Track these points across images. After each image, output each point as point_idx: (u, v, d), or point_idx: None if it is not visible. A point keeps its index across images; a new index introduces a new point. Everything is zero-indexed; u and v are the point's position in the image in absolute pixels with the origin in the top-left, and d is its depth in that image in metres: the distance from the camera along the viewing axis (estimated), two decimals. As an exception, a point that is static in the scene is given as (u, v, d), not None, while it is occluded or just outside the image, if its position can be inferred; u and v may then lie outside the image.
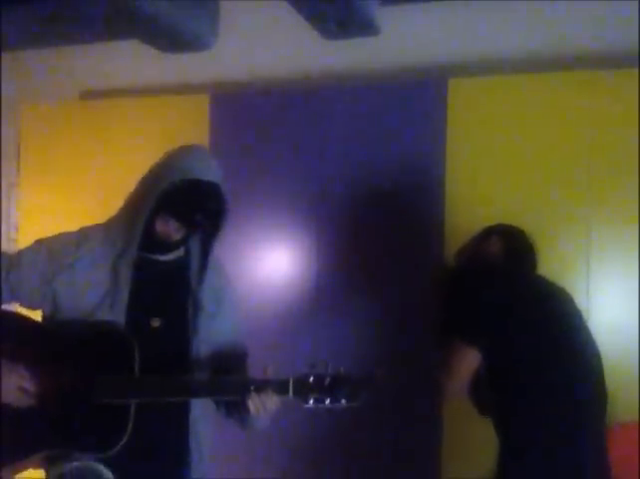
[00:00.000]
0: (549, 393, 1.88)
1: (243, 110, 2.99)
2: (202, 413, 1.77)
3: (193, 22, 3.06)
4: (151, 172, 1.75)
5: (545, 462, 1.84)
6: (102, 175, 3.18)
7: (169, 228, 1.70)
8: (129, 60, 3.48)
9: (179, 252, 1.80)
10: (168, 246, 1.75)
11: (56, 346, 1.66)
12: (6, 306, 1.73)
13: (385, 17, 2.97)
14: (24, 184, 3.38)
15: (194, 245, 1.81)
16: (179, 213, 1.68)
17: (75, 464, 1.57)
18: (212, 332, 1.77)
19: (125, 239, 1.69)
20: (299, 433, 2.72)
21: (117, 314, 1.66)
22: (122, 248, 1.69)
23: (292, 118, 2.90)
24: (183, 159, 1.72)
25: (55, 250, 1.71)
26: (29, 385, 1.60)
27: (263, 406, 1.58)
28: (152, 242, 1.71)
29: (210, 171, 1.70)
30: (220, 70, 3.30)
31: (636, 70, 2.45)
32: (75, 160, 3.26)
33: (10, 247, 3.46)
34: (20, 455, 1.62)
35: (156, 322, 1.70)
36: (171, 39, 3.13)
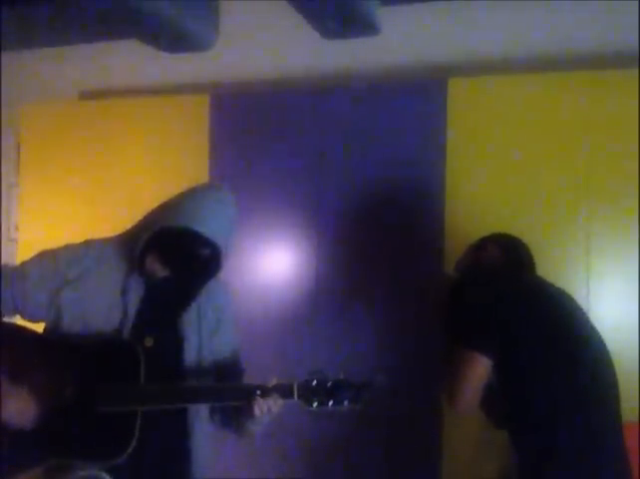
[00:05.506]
0: (562, 396, 1.84)
1: (243, 110, 2.99)
2: (202, 414, 1.77)
3: (193, 22, 3.06)
4: (157, 207, 1.77)
5: (568, 472, 1.78)
6: (101, 175, 3.18)
7: (155, 266, 1.73)
8: (129, 60, 3.48)
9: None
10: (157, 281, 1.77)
11: (60, 356, 1.66)
12: (7, 319, 1.73)
13: (385, 17, 2.97)
14: (24, 184, 3.38)
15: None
16: (163, 257, 1.71)
17: (80, 474, 1.57)
18: (210, 350, 1.79)
19: (128, 264, 1.74)
20: (299, 433, 2.72)
21: (122, 333, 1.69)
22: (127, 271, 1.73)
23: (292, 118, 2.90)
24: (187, 203, 1.72)
25: (60, 264, 1.73)
26: (29, 408, 1.59)
27: (268, 409, 1.62)
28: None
29: (208, 221, 1.66)
30: (220, 70, 3.30)
31: (636, 70, 2.45)
32: (75, 160, 3.25)
33: (10, 248, 3.46)
34: (25, 465, 1.61)
35: (149, 342, 1.70)
36: (171, 39, 3.13)
